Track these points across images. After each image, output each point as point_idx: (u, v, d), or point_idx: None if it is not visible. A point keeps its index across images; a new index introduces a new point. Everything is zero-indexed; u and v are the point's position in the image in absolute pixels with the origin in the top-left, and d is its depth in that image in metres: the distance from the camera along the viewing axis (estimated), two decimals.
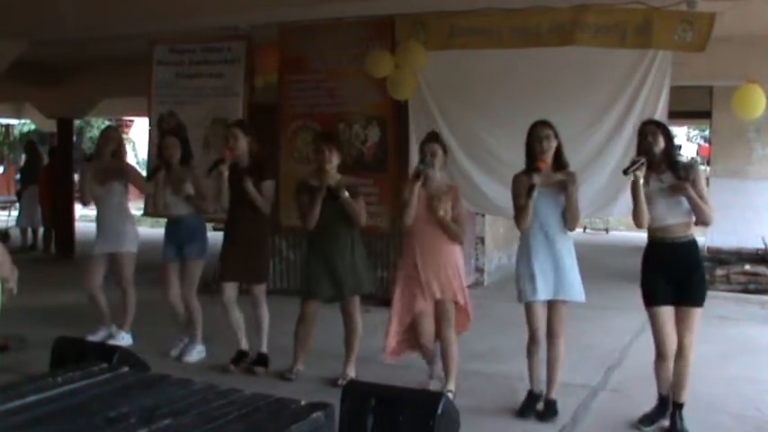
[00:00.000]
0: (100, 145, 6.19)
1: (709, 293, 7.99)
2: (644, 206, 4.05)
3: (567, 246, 4.41)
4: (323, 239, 4.99)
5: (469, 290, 8.26)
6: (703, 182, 4.17)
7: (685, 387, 4.13)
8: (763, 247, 8.64)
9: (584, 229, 14.53)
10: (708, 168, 10.37)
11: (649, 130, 4.15)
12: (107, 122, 20.90)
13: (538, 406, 4.48)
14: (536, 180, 4.24)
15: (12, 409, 2.09)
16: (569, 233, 4.47)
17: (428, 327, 4.79)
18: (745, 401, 4.71)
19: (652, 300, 4.15)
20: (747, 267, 8.37)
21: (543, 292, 4.37)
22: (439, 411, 2.49)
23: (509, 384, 4.91)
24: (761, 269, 8.31)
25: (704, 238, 9.59)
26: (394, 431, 2.50)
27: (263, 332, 5.36)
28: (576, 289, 4.39)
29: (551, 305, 4.42)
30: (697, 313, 4.09)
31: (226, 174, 5.19)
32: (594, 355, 5.67)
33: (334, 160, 4.95)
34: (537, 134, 4.35)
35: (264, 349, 5.36)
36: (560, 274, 4.35)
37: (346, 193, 4.85)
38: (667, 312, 4.12)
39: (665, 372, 4.24)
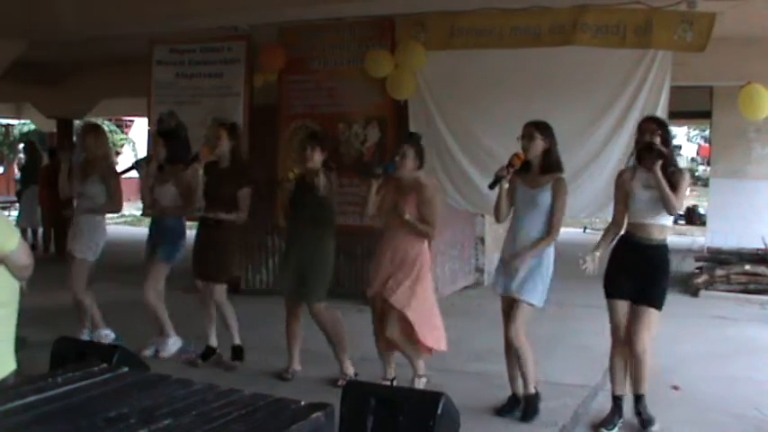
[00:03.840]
0: (88, 140, 5.91)
1: (709, 293, 8.13)
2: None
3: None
4: (291, 236, 5.08)
5: (469, 290, 8.38)
6: (684, 186, 4.13)
7: (644, 381, 4.21)
8: (763, 247, 8.64)
9: (584, 229, 14.54)
10: (708, 168, 10.37)
11: (649, 129, 4.16)
12: (107, 122, 20.93)
13: (519, 407, 4.50)
14: (501, 173, 4.32)
15: (12, 409, 2.09)
16: (542, 235, 4.38)
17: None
18: (745, 401, 4.71)
19: (612, 293, 4.24)
20: (747, 267, 8.35)
21: (501, 287, 4.44)
22: (439, 411, 2.49)
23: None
24: (761, 269, 8.29)
25: (704, 239, 9.61)
26: (394, 431, 2.50)
27: (232, 326, 5.42)
28: (527, 290, 4.32)
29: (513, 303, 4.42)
30: (653, 314, 4.12)
31: (200, 171, 5.24)
32: (594, 356, 5.65)
33: (315, 158, 4.94)
34: (522, 133, 4.39)
35: (237, 341, 5.43)
36: (518, 272, 4.32)
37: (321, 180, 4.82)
38: (625, 306, 4.21)
39: (620, 365, 4.30)
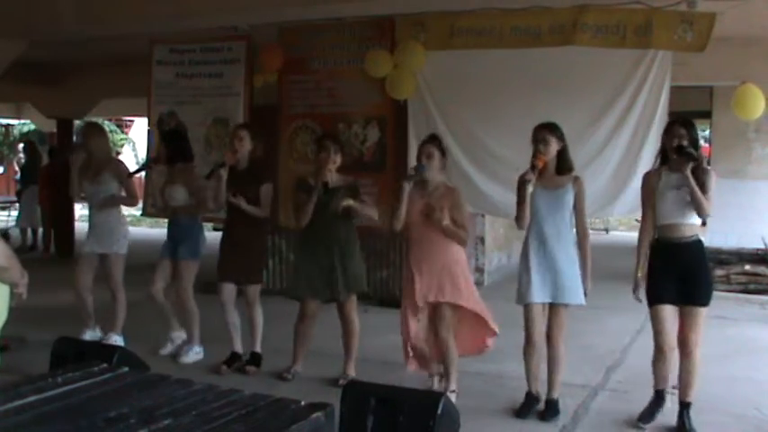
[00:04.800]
0: (93, 140, 5.89)
1: None
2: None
3: (566, 248, 4.38)
4: (317, 238, 4.98)
5: None
6: (712, 186, 4.08)
7: (693, 386, 4.16)
8: (763, 247, 8.63)
9: None
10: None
11: (678, 134, 4.11)
12: (107, 122, 20.92)
13: (538, 407, 4.49)
14: (529, 176, 4.24)
15: (12, 409, 2.09)
16: (570, 235, 4.44)
17: (421, 331, 4.80)
18: (745, 401, 4.71)
19: (657, 299, 4.17)
20: (747, 267, 8.36)
21: (540, 295, 4.36)
22: (439, 411, 2.49)
23: (509, 384, 4.91)
24: (761, 269, 8.29)
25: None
26: (394, 431, 2.50)
27: (257, 332, 5.37)
28: (574, 292, 4.36)
29: (551, 308, 4.41)
30: (702, 313, 4.12)
31: (225, 177, 5.18)
32: (594, 355, 5.66)
33: (338, 161, 4.97)
34: (535, 136, 4.36)
35: (258, 349, 5.37)
36: (558, 277, 4.34)
37: (350, 202, 4.84)
38: (670, 311, 4.16)
39: (663, 368, 4.28)
